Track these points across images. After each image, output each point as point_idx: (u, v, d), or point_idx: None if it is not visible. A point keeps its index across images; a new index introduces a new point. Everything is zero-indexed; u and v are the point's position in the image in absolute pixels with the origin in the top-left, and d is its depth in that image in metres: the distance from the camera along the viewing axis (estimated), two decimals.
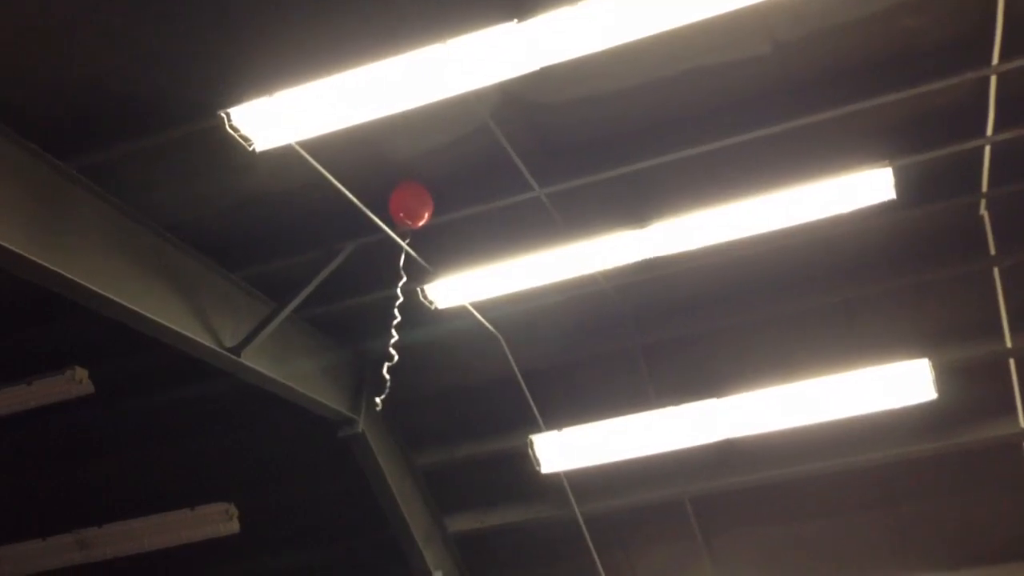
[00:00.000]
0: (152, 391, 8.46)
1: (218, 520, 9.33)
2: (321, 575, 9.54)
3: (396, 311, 6.50)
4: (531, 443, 7.95)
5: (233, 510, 9.23)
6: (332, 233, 6.77)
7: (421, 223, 6.34)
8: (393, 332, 6.49)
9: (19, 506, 9.42)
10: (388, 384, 6.46)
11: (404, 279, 6.52)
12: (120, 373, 8.16)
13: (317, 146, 5.77)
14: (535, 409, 8.29)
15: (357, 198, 6.19)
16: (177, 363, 7.64)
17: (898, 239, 7.22)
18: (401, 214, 6.26)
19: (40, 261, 5.61)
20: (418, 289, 6.88)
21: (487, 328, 7.77)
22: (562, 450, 8.00)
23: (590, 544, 8.88)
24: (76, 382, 7.97)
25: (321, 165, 5.89)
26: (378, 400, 6.52)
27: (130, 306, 6.16)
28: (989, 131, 6.11)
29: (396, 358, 6.52)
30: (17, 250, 5.51)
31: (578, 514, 8.73)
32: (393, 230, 6.43)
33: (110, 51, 5.16)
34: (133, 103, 5.47)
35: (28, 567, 9.69)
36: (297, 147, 5.54)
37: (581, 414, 8.01)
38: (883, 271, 7.41)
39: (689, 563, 8.96)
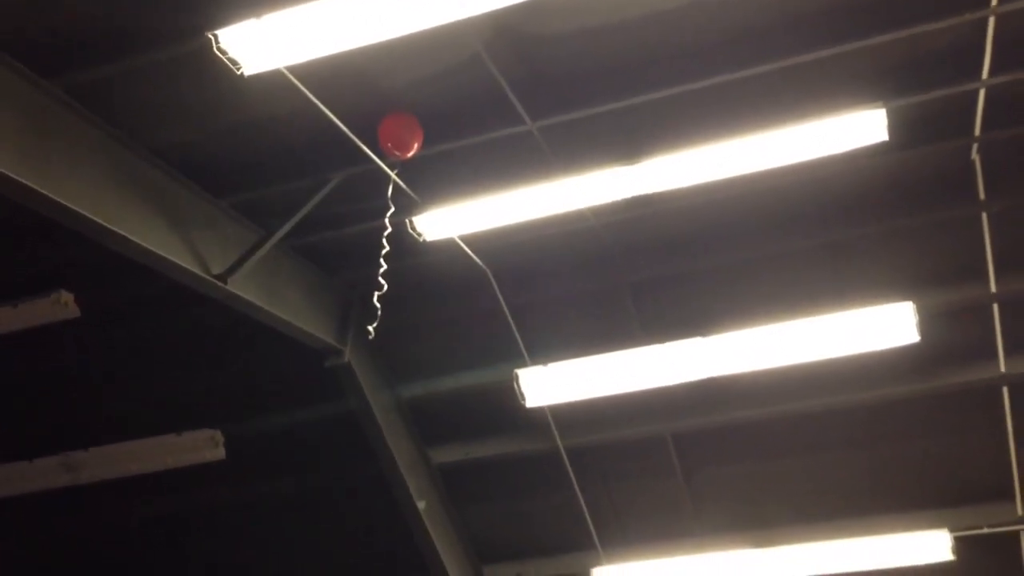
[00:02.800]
0: (140, 317, 8.47)
1: (204, 447, 9.39)
2: (306, 503, 9.65)
3: (384, 241, 6.49)
4: (516, 377, 7.99)
5: (219, 436, 9.29)
6: (321, 162, 6.72)
7: (410, 154, 6.31)
8: (382, 262, 6.47)
9: (5, 428, 9.45)
10: (379, 313, 6.47)
11: (392, 209, 6.49)
12: (108, 299, 8.13)
13: (307, 73, 5.69)
14: (521, 343, 8.33)
15: (347, 127, 6.13)
16: (166, 290, 7.61)
17: (888, 181, 7.21)
18: (390, 144, 6.21)
19: (28, 183, 5.57)
20: (407, 220, 6.86)
21: (475, 262, 7.76)
22: (547, 385, 8.05)
23: (572, 477, 8.98)
24: (62, 305, 7.95)
25: (311, 92, 5.82)
26: (370, 328, 6.53)
27: (116, 230, 6.13)
28: (985, 74, 6.07)
29: (385, 287, 6.51)
30: (5, 171, 5.46)
31: (561, 448, 8.82)
32: (382, 160, 6.39)
33: None
34: (120, 22, 5.36)
35: (15, 488, 9.77)
36: (286, 72, 5.47)
37: (567, 349, 8.05)
38: (872, 213, 7.42)
39: (669, 498, 9.08)
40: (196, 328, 8.57)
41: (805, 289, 7.70)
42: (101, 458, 9.52)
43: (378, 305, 6.45)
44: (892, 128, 6.21)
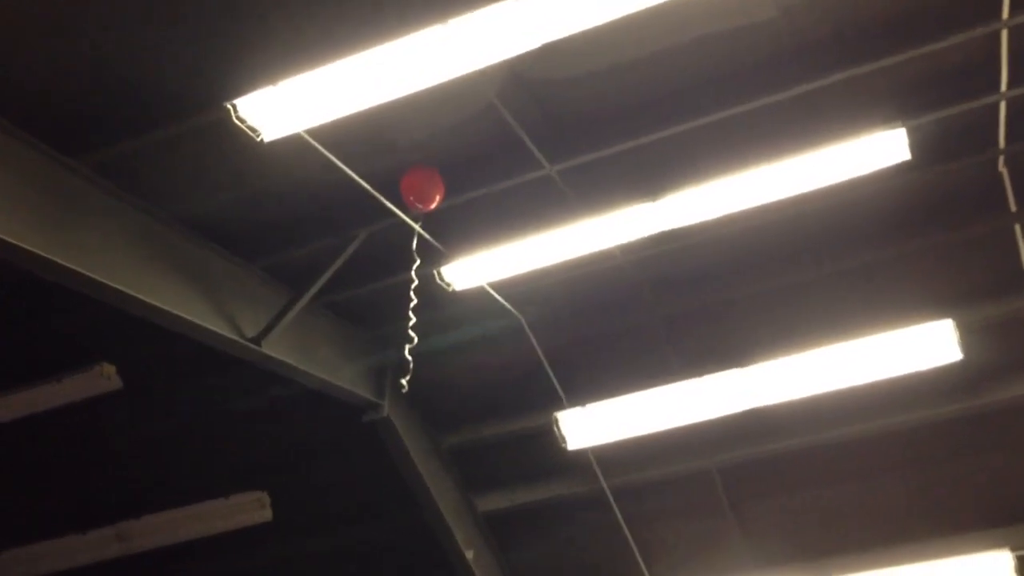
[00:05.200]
0: (180, 384, 8.55)
1: (252, 508, 9.47)
2: (353, 558, 9.63)
3: (412, 294, 6.53)
4: (556, 420, 7.97)
5: (266, 498, 9.36)
6: (347, 220, 6.80)
7: (433, 206, 6.35)
8: (411, 315, 6.51)
9: (55, 502, 9.56)
10: (411, 366, 6.49)
11: (418, 262, 6.53)
12: (148, 368, 8.25)
13: (326, 133, 5.78)
14: (558, 386, 8.30)
15: (368, 183, 6.22)
16: (202, 354, 7.70)
17: (916, 200, 7.14)
18: (412, 198, 6.27)
19: (58, 260, 5.69)
20: (435, 272, 6.90)
21: (507, 308, 7.78)
22: (587, 426, 8.02)
23: (620, 519, 8.89)
24: (104, 377, 8.10)
25: (332, 152, 5.91)
26: (403, 382, 6.55)
27: (149, 300, 6.23)
28: (1003, 87, 6.02)
29: (416, 340, 6.54)
30: (36, 251, 5.59)
31: (606, 489, 8.75)
32: (406, 214, 6.45)
33: (113, 45, 5.18)
34: (139, 97, 5.50)
35: (68, 562, 9.87)
36: (305, 135, 5.56)
37: (604, 389, 7.99)
38: (903, 233, 7.33)
39: (719, 534, 8.95)
40: (237, 390, 8.63)
41: (841, 313, 7.61)
42: (152, 526, 9.63)
43: (410, 358, 6.48)
44: (915, 146, 6.19)
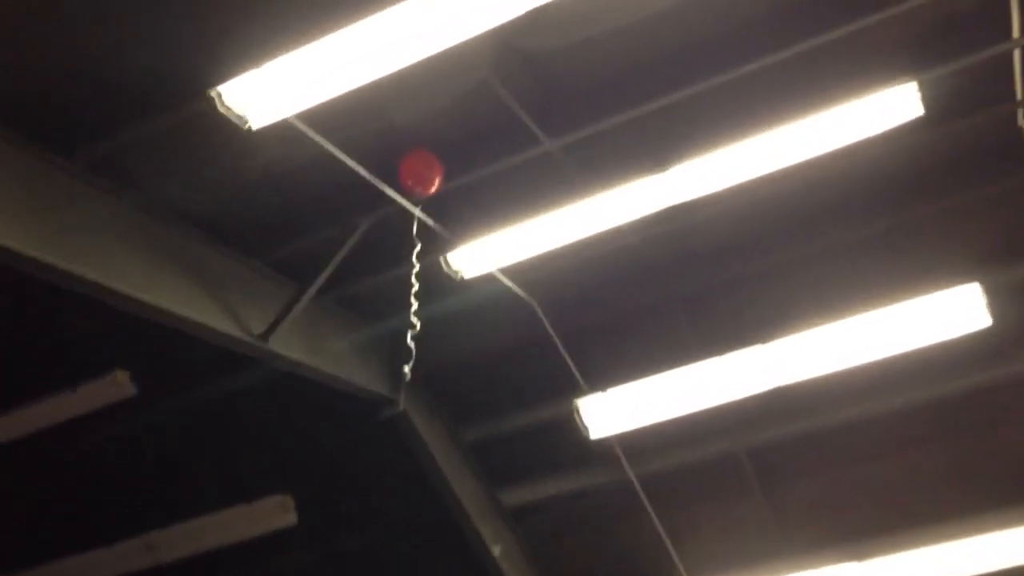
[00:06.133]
0: (195, 387, 8.46)
1: (276, 513, 9.36)
2: (379, 557, 9.51)
3: (414, 279, 6.40)
4: (576, 408, 7.80)
5: (289, 501, 9.25)
6: (348, 209, 6.67)
7: (433, 189, 6.24)
8: (413, 300, 6.38)
9: (79, 516, 9.53)
10: (414, 353, 6.36)
11: (419, 246, 6.40)
12: (163, 373, 8.17)
13: (320, 120, 5.68)
14: (576, 373, 8.12)
15: (366, 169, 6.09)
16: (215, 356, 7.62)
17: (933, 159, 6.89)
18: (410, 182, 6.15)
19: (54, 262, 5.61)
20: (440, 259, 6.77)
21: (519, 294, 7.62)
22: (609, 413, 7.84)
23: (648, 507, 8.69)
24: (118, 384, 8.04)
25: (326, 139, 5.80)
26: (406, 369, 6.42)
27: (149, 300, 6.15)
28: (1015, 32, 5.78)
29: (418, 326, 6.41)
30: (34, 254, 5.52)
31: (632, 477, 8.55)
32: (405, 199, 6.32)
33: (95, 37, 5.11)
34: (125, 90, 5.42)
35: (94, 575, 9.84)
36: (295, 121, 5.44)
37: (624, 373, 7.78)
38: (921, 194, 7.08)
39: (751, 518, 8.72)
40: (252, 391, 8.53)
41: (863, 281, 7.36)
42: (179, 536, 9.55)
43: (412, 345, 6.34)
44: (928, 102, 5.94)
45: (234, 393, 8.49)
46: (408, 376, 6.43)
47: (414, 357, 6.39)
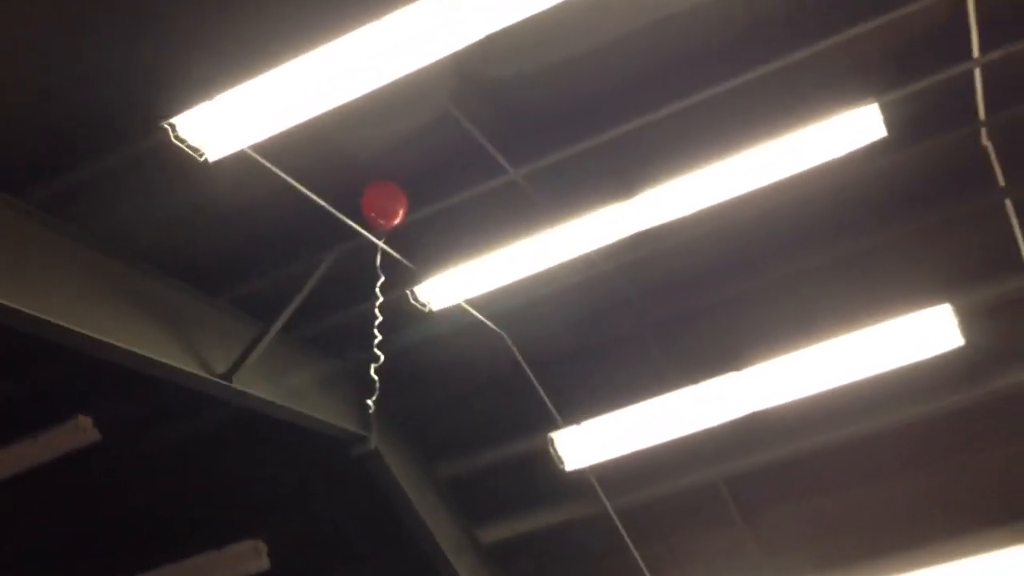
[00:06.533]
0: (159, 430, 8.30)
1: (248, 558, 9.15)
2: None
3: (377, 311, 6.29)
4: (552, 441, 7.70)
5: (262, 546, 9.05)
6: (311, 243, 6.57)
7: (396, 221, 6.15)
8: (376, 332, 6.27)
9: (40, 565, 9.28)
10: (377, 386, 6.26)
11: (382, 278, 6.30)
12: (126, 416, 8.01)
13: (277, 155, 5.60)
14: (550, 405, 8.01)
15: (329, 203, 6.00)
16: (179, 398, 7.47)
17: (900, 181, 6.87)
18: (373, 214, 6.07)
19: (8, 303, 5.46)
20: (408, 292, 6.68)
21: (488, 325, 7.51)
22: (584, 445, 7.74)
23: (627, 540, 8.56)
24: (81, 430, 7.86)
25: (285, 171, 5.71)
26: (370, 402, 6.32)
27: (110, 341, 5.99)
28: (975, 52, 5.79)
29: (382, 359, 6.30)
30: None
31: (610, 510, 8.42)
32: (368, 231, 6.23)
33: (44, 75, 5.00)
34: (77, 127, 5.32)
35: None
36: (250, 152, 5.35)
37: (599, 405, 7.70)
38: (890, 216, 7.05)
39: (734, 548, 8.60)
40: (221, 434, 8.39)
41: (834, 306, 7.32)
42: None
43: (376, 379, 6.23)
44: (891, 124, 5.97)
45: (200, 436, 8.36)
46: (372, 408, 6.32)
47: (378, 390, 6.28)
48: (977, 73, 6.02)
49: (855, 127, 5.93)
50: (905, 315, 6.78)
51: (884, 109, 5.84)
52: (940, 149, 6.63)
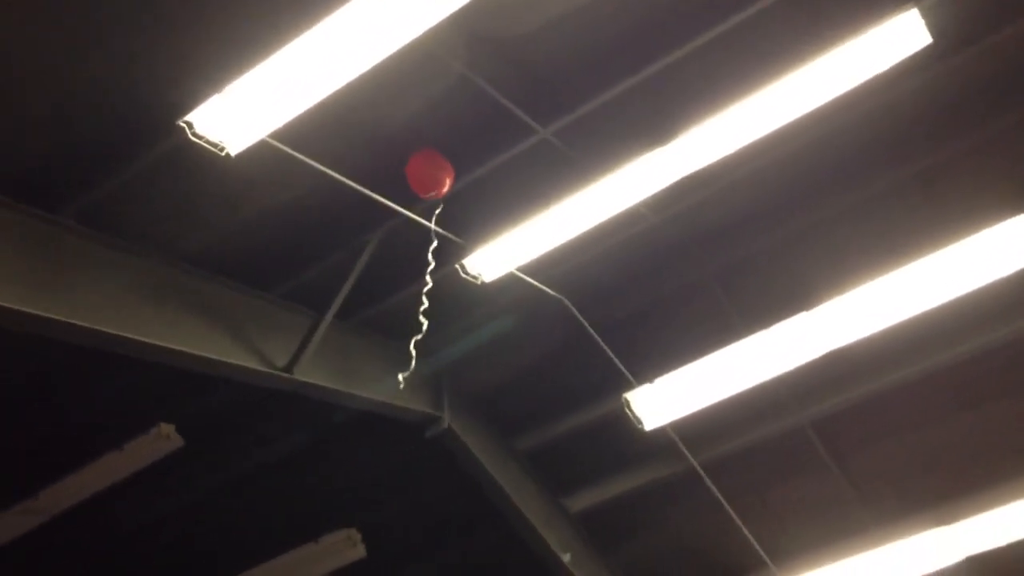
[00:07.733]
0: (239, 431, 8.41)
1: (344, 547, 9.26)
2: None
3: (428, 278, 6.20)
4: (627, 402, 7.53)
5: (355, 534, 9.14)
6: (354, 227, 6.55)
7: (446, 189, 6.04)
8: (424, 299, 6.19)
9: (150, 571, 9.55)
10: (414, 358, 6.18)
11: (432, 264, 6.21)
12: (203, 420, 8.13)
13: (302, 139, 5.56)
14: (621, 366, 7.84)
15: (363, 183, 5.94)
16: (255, 396, 7.55)
17: (956, 90, 6.47)
18: (422, 185, 5.96)
19: (63, 318, 5.60)
20: (457, 267, 6.58)
21: (545, 291, 7.37)
22: (661, 403, 7.55)
23: (718, 495, 8.35)
24: (164, 438, 8.02)
25: (314, 157, 5.67)
26: (401, 377, 6.24)
27: (169, 346, 6.12)
28: None
29: (425, 327, 6.21)
30: (36, 311, 5.48)
31: (696, 465, 8.22)
32: (410, 207, 6.16)
33: (58, 90, 5.06)
34: (99, 137, 5.37)
35: None
36: (270, 140, 5.31)
37: (670, 360, 7.48)
38: (947, 132, 6.65)
39: (828, 492, 8.32)
40: (297, 428, 8.46)
41: (904, 230, 6.96)
42: None
43: (423, 320, 6.12)
44: (936, 30, 5.58)
45: (279, 431, 8.44)
46: (402, 385, 6.25)
47: (415, 362, 6.22)
48: None
49: (898, 37, 5.57)
50: (979, 233, 6.40)
51: (925, 14, 5.49)
52: (994, 51, 6.20)
